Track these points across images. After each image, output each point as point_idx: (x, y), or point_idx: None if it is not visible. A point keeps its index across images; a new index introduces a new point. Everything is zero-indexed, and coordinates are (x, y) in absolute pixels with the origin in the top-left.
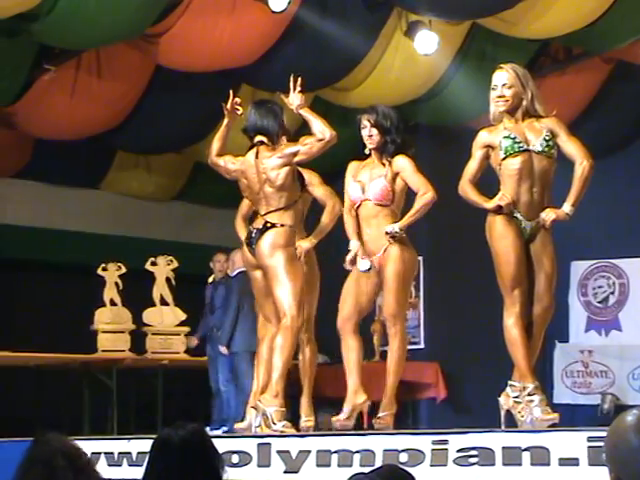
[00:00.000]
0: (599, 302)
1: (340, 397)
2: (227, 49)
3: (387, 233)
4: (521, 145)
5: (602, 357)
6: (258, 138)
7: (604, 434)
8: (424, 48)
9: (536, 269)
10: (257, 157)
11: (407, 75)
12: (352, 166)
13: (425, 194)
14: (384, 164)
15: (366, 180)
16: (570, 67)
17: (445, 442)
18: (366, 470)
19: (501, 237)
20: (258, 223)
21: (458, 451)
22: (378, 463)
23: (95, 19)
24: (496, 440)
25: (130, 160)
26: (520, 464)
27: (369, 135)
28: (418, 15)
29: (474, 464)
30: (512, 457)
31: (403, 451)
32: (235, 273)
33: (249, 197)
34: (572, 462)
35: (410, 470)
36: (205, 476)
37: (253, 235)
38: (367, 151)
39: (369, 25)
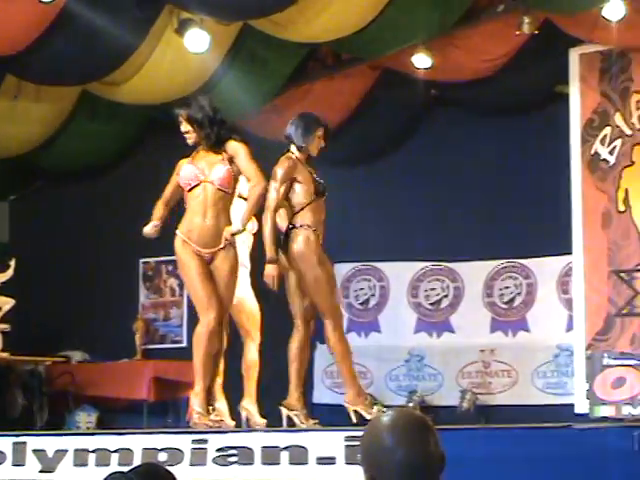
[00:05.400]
0: (360, 304)
1: (102, 396)
2: None
3: (233, 234)
4: None
5: (361, 358)
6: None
7: (361, 434)
8: (195, 46)
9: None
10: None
11: (178, 72)
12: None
13: (257, 185)
14: (218, 152)
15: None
16: (338, 73)
17: (204, 441)
18: (124, 469)
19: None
20: None
21: (217, 450)
22: (137, 462)
23: None
24: (255, 439)
25: None
26: (279, 463)
27: (185, 131)
28: (189, 13)
29: (233, 463)
30: (271, 456)
31: (162, 450)
32: None
33: None
34: (329, 461)
35: (169, 469)
36: None
37: None
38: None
39: (140, 20)
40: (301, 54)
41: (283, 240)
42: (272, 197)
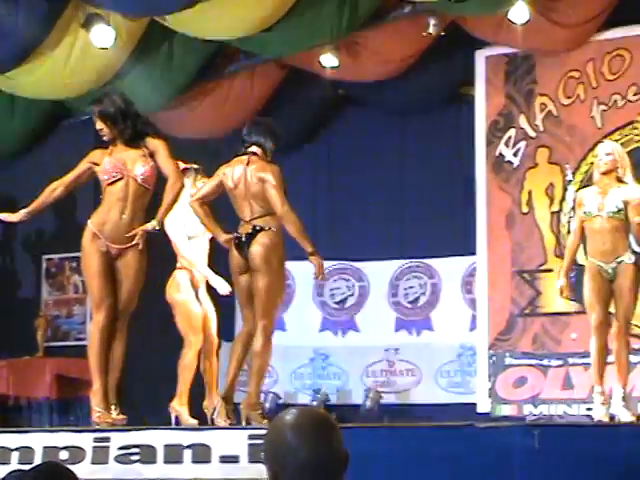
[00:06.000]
0: None
1: (3, 394)
2: None
3: (147, 231)
4: None
5: None
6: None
7: (264, 432)
8: (100, 41)
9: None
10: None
11: (83, 67)
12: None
13: (176, 183)
14: (138, 147)
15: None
16: (246, 70)
17: (107, 440)
18: (25, 468)
19: None
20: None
21: (120, 448)
22: (37, 460)
23: None
24: (158, 438)
25: None
26: (181, 462)
27: (99, 128)
28: (95, 7)
29: (136, 462)
30: (174, 454)
31: (64, 448)
32: None
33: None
34: (232, 459)
35: (71, 468)
36: None
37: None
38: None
39: (45, 13)
40: (208, 51)
41: (245, 241)
42: (280, 197)
